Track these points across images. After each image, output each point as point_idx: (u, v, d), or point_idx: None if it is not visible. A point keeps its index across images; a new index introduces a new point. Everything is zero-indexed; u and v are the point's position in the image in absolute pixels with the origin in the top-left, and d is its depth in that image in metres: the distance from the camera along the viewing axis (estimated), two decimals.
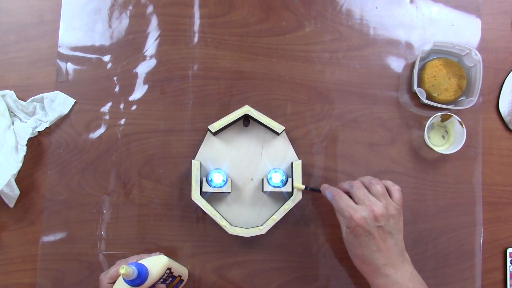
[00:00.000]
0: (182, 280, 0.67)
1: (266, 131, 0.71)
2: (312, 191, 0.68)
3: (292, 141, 0.71)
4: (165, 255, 0.68)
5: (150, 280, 0.55)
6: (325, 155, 0.72)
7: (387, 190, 0.61)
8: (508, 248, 0.71)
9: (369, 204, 0.58)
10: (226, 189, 0.68)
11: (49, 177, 0.72)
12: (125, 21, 0.74)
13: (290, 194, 0.68)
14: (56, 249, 0.70)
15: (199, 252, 0.71)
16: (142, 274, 0.54)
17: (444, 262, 0.71)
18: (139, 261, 0.57)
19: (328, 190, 0.62)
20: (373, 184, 0.60)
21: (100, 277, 0.60)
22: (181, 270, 0.65)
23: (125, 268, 0.51)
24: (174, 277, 0.63)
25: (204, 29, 0.74)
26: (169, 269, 0.60)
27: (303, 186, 0.67)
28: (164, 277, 0.59)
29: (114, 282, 0.58)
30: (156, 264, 0.57)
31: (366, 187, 0.61)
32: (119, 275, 0.57)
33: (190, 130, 0.72)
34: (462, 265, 0.71)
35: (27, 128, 0.71)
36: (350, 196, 0.61)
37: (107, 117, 0.73)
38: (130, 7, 0.75)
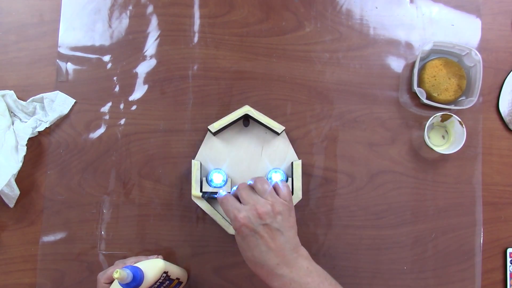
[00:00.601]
0: (181, 282, 0.67)
1: (266, 131, 0.71)
2: (209, 198, 0.67)
3: (292, 141, 0.71)
4: (165, 255, 0.68)
5: (145, 284, 0.55)
6: (325, 155, 0.72)
7: (275, 188, 0.59)
8: (508, 248, 0.71)
9: (253, 203, 0.55)
10: (226, 189, 0.68)
11: (49, 177, 0.72)
12: (125, 21, 0.74)
13: None
14: (56, 249, 0.70)
15: (199, 252, 0.71)
16: (137, 278, 0.54)
17: (444, 262, 0.71)
18: (135, 264, 0.56)
19: (218, 194, 0.60)
20: (257, 182, 0.58)
21: (98, 276, 0.60)
22: (179, 272, 0.65)
23: (119, 272, 0.50)
24: (171, 280, 0.63)
25: (204, 29, 0.74)
26: (165, 272, 0.60)
27: (200, 194, 0.66)
28: (160, 281, 0.59)
29: (111, 282, 0.58)
30: (152, 267, 0.57)
31: (252, 187, 0.59)
32: None
33: (190, 130, 0.72)
34: (462, 265, 0.71)
35: (27, 128, 0.71)
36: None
37: (107, 117, 0.73)
38: (130, 7, 0.75)
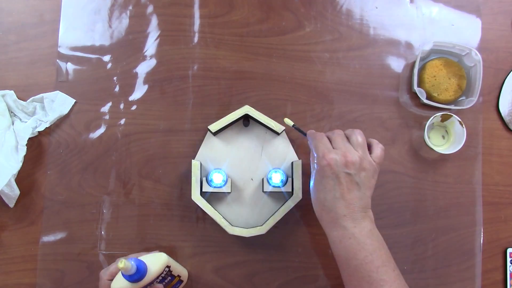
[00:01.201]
0: (182, 281, 0.67)
1: (266, 131, 0.71)
2: (298, 131, 0.66)
3: (292, 141, 0.71)
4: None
5: (149, 277, 0.55)
6: None
7: (371, 147, 0.60)
8: (508, 248, 0.71)
9: (344, 150, 0.56)
10: (226, 189, 0.68)
11: (49, 177, 0.72)
12: (125, 21, 0.74)
13: (290, 194, 0.68)
14: (56, 249, 0.70)
15: (199, 252, 0.71)
16: (141, 270, 0.54)
17: (444, 262, 0.71)
18: (139, 258, 0.57)
19: (312, 135, 0.61)
20: (354, 134, 0.59)
21: (100, 274, 0.60)
22: (180, 270, 0.65)
23: (124, 262, 0.51)
24: (173, 276, 0.63)
25: (204, 29, 0.74)
26: (168, 267, 0.60)
27: (292, 123, 0.66)
28: (163, 275, 0.59)
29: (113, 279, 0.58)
30: (155, 261, 0.57)
31: (347, 137, 0.59)
32: (118, 271, 0.57)
33: (190, 130, 0.72)
34: (462, 265, 0.71)
35: (27, 128, 0.71)
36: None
37: (107, 117, 0.73)
38: (130, 7, 0.75)
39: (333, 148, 0.58)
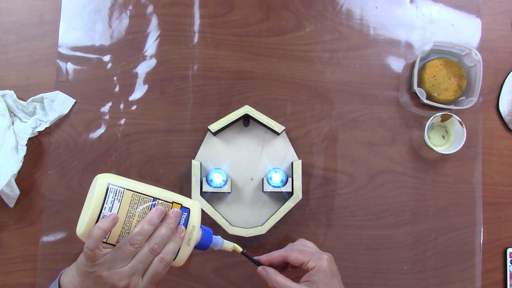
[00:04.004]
0: (188, 209, 0.55)
1: (266, 131, 0.71)
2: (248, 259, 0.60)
3: (292, 141, 0.71)
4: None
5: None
6: (325, 155, 0.72)
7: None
8: (508, 248, 0.71)
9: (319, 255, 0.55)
10: (226, 189, 0.68)
11: (49, 177, 0.72)
12: (125, 21, 0.74)
13: (290, 194, 0.68)
14: (56, 249, 0.70)
15: (199, 252, 0.70)
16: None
17: (444, 262, 0.71)
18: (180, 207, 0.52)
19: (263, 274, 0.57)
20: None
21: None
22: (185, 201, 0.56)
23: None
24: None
25: (204, 29, 0.74)
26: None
27: (241, 249, 0.58)
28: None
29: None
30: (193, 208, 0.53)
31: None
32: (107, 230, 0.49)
33: (190, 130, 0.72)
34: (462, 265, 0.71)
35: (27, 128, 0.71)
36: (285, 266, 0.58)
37: (107, 117, 0.73)
38: (130, 7, 0.75)
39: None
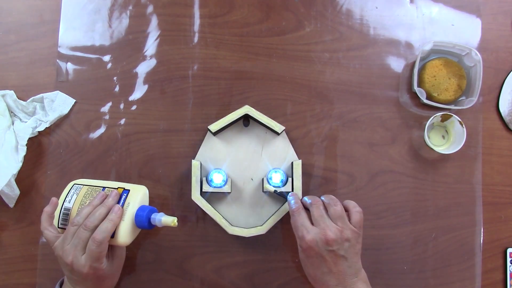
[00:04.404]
0: (128, 190, 0.62)
1: (266, 131, 0.71)
2: (279, 195, 0.66)
3: (292, 141, 0.71)
4: (165, 255, 0.68)
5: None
6: (325, 155, 0.72)
7: (348, 211, 0.59)
8: (508, 248, 0.71)
9: (323, 227, 0.56)
10: (226, 189, 0.68)
11: (49, 177, 0.72)
12: (125, 21, 0.74)
13: None
14: None
15: (199, 252, 0.71)
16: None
17: (444, 262, 0.71)
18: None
19: (292, 201, 0.61)
20: (332, 205, 0.58)
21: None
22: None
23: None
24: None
25: (204, 29, 0.74)
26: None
27: (273, 188, 0.66)
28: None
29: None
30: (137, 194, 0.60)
31: (325, 207, 0.59)
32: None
33: (190, 130, 0.72)
34: (462, 265, 0.71)
35: (27, 128, 0.71)
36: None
37: (107, 117, 0.73)
38: (130, 7, 0.75)
39: (313, 224, 0.58)
